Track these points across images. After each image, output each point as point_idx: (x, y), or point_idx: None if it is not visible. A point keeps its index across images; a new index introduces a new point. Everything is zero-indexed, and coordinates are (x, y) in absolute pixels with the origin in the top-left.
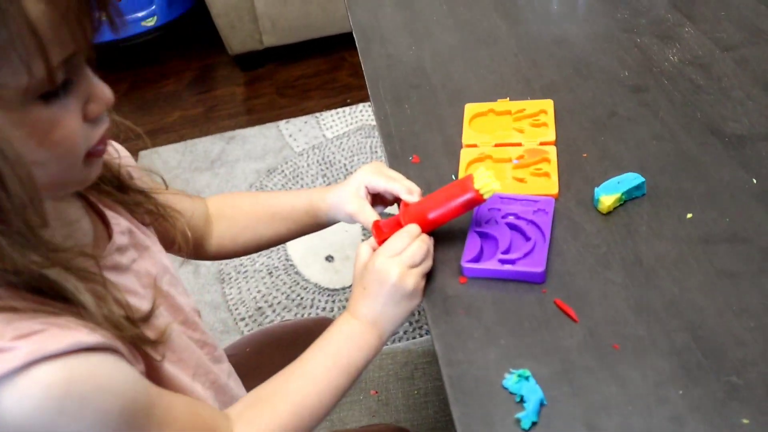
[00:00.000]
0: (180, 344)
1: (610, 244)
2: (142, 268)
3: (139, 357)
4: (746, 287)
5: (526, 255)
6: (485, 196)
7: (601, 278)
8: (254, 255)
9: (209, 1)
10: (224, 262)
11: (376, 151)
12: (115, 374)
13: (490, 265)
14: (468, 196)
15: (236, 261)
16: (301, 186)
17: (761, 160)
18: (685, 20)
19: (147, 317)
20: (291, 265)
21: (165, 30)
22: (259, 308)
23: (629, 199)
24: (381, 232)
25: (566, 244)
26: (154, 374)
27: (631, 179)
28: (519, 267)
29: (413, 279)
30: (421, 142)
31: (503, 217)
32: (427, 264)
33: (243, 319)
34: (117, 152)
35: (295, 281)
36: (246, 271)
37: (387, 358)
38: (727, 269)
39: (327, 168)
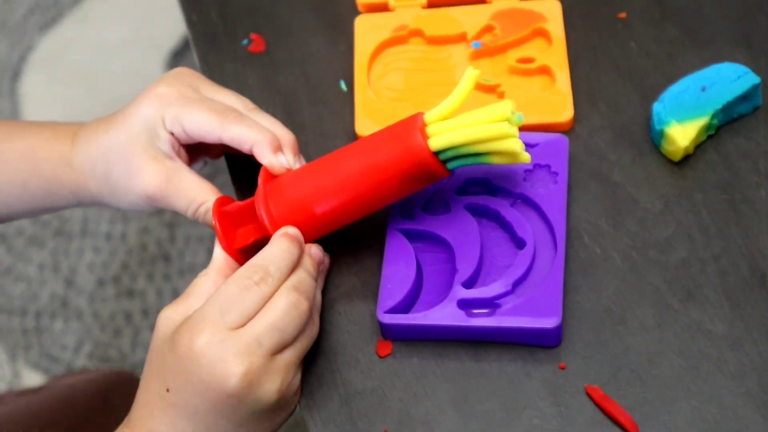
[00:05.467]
0: None
1: (696, 239)
2: None
3: None
4: None
5: (517, 285)
6: (452, 165)
7: (683, 323)
8: None
9: None
10: None
11: None
12: None
13: (439, 314)
14: (410, 162)
15: None
16: None
17: None
18: None
19: None
20: None
21: None
22: None
23: (727, 122)
24: (232, 229)
25: (601, 247)
26: None
27: (730, 78)
28: (505, 317)
29: (279, 380)
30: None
31: (459, 191)
32: (311, 333)
33: None
34: None
35: None
36: None
37: None
38: None
39: None
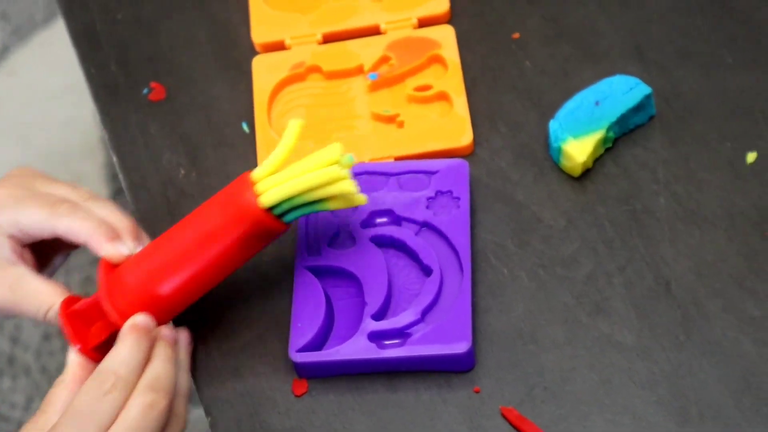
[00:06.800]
0: None
1: (601, 252)
2: None
3: None
4: None
5: (426, 313)
6: (289, 218)
7: (593, 337)
8: None
9: None
10: None
11: None
12: None
13: (351, 348)
14: (245, 224)
15: None
16: None
17: None
18: None
19: None
20: None
21: None
22: None
23: (623, 134)
24: (85, 328)
25: (508, 267)
26: None
27: (622, 90)
28: (416, 346)
29: None
30: (166, 43)
31: (364, 223)
32: (176, 428)
33: None
34: None
35: None
36: None
37: None
38: None
39: None
